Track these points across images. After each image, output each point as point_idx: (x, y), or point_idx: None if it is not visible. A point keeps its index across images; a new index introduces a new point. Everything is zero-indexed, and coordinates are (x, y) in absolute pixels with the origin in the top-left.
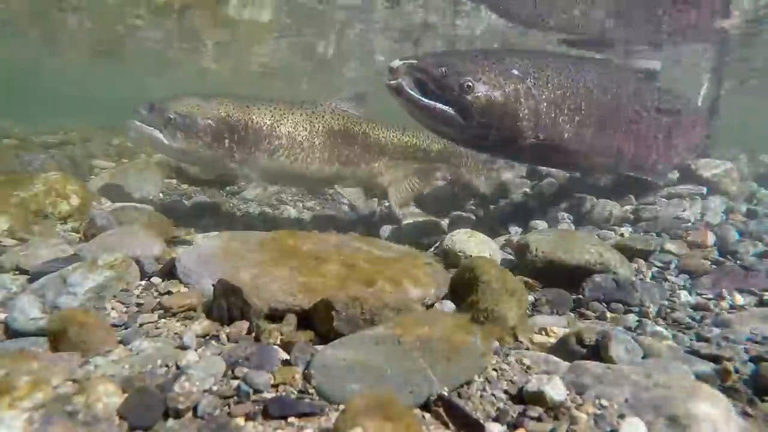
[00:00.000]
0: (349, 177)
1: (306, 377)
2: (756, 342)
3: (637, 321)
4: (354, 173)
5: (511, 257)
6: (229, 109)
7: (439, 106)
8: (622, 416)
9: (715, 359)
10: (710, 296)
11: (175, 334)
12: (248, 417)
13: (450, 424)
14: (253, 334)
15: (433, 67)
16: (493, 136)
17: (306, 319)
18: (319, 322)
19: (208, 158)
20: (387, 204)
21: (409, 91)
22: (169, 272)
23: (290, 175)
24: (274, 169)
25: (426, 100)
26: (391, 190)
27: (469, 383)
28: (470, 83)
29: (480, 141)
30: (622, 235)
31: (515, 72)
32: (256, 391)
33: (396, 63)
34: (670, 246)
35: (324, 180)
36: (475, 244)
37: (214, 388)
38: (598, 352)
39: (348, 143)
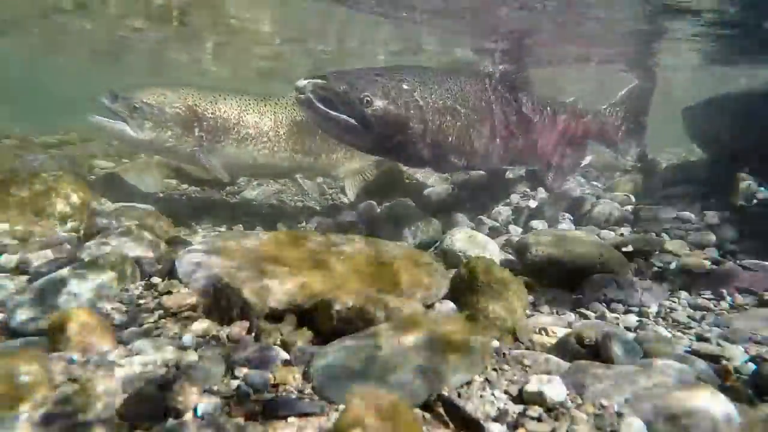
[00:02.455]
0: (310, 167)
1: (306, 377)
2: (756, 342)
3: (637, 321)
4: (315, 164)
5: (511, 257)
6: (196, 99)
7: (344, 117)
8: (622, 416)
9: (715, 359)
10: (710, 296)
11: (175, 334)
12: (248, 417)
13: (450, 424)
14: (253, 334)
15: (336, 84)
16: (390, 143)
17: (306, 319)
18: (319, 322)
19: (177, 149)
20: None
21: (318, 105)
22: (169, 272)
23: (257, 164)
24: (241, 158)
25: (333, 113)
26: (348, 182)
27: (469, 383)
28: (368, 98)
29: (381, 148)
30: (622, 235)
31: (405, 86)
32: (256, 391)
33: (302, 82)
34: (670, 246)
35: (288, 170)
36: (475, 244)
37: (214, 388)
38: (598, 352)
39: (310, 134)
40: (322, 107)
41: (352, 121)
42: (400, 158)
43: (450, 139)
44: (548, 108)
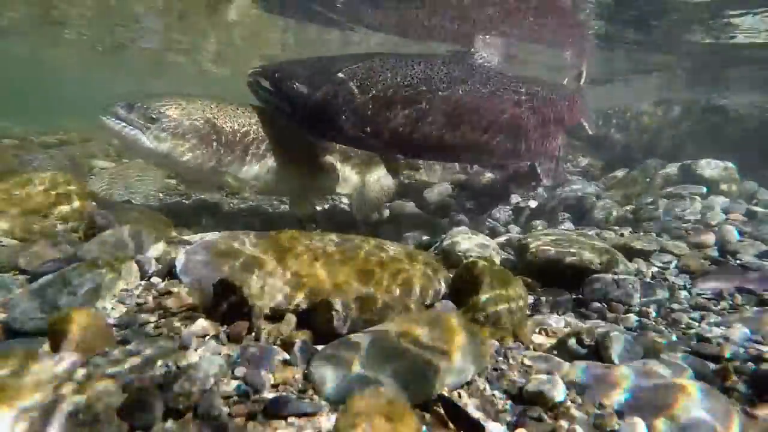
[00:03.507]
0: (320, 187)
1: (306, 377)
2: (756, 342)
3: (637, 321)
4: (325, 183)
5: (511, 257)
6: (214, 110)
7: (277, 100)
8: (622, 416)
9: (715, 359)
10: (710, 296)
11: (175, 334)
12: (248, 417)
13: (450, 424)
14: (253, 334)
15: (271, 72)
16: (320, 126)
17: (306, 319)
18: (319, 322)
19: (194, 163)
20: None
21: (263, 85)
22: (169, 272)
23: (281, 178)
24: (264, 173)
25: (272, 97)
26: (354, 202)
27: (469, 383)
28: (296, 84)
29: (313, 130)
30: (622, 235)
31: (340, 75)
32: (256, 391)
33: (249, 70)
34: (670, 246)
35: (304, 186)
36: (475, 245)
37: (214, 388)
38: (598, 352)
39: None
40: (263, 92)
41: (284, 102)
42: (338, 141)
43: (402, 129)
44: (528, 92)
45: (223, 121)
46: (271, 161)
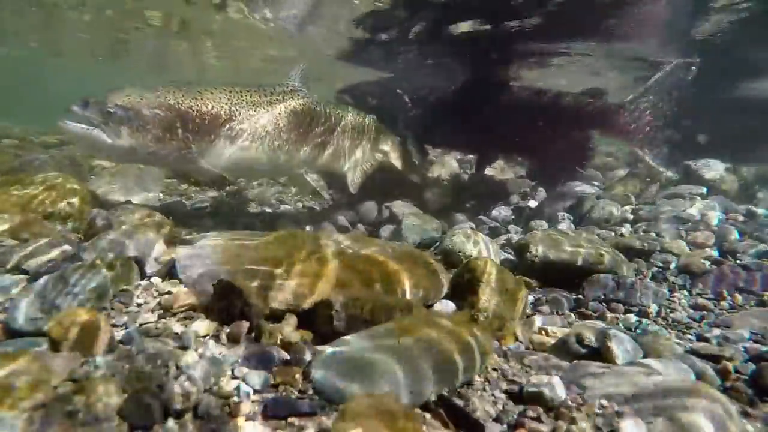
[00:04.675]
0: (316, 162)
1: (306, 377)
2: (756, 342)
3: (637, 321)
4: (320, 158)
5: (511, 257)
6: (179, 96)
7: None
8: (622, 416)
9: (715, 359)
10: (710, 296)
11: (175, 334)
12: (248, 417)
13: (450, 424)
14: (253, 334)
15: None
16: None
17: (306, 319)
18: (319, 322)
19: (162, 153)
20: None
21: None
22: (169, 272)
23: (258, 162)
24: (238, 157)
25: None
26: (350, 174)
27: (469, 383)
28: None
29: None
30: (621, 235)
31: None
32: (256, 391)
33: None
34: (670, 246)
35: (293, 166)
36: (475, 244)
37: (214, 388)
38: (598, 352)
39: (313, 125)
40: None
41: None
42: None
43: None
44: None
45: (190, 106)
46: (253, 144)
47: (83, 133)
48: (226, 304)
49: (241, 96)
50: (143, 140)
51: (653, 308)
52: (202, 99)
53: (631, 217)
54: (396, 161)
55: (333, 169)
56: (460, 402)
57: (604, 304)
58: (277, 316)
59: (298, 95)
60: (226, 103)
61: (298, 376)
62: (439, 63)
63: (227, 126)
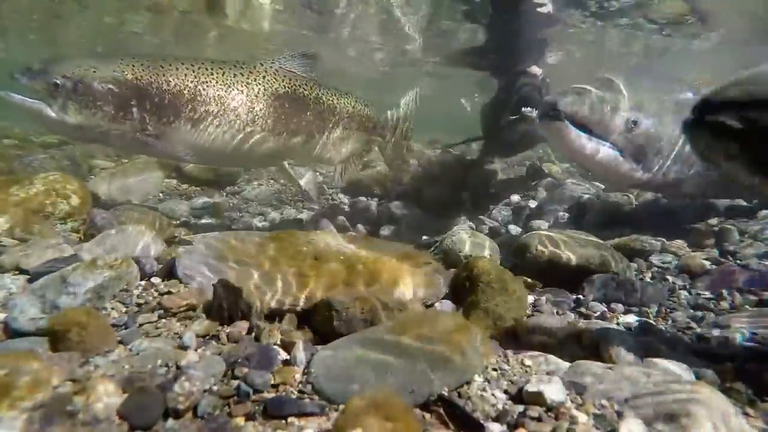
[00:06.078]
0: (298, 151)
1: (306, 377)
2: (756, 342)
3: (637, 321)
4: (304, 147)
5: (511, 257)
6: (136, 71)
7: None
8: (622, 416)
9: (715, 359)
10: (710, 296)
11: (175, 334)
12: (248, 417)
13: (450, 424)
14: (253, 334)
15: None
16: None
17: (306, 319)
18: (319, 322)
19: (115, 134)
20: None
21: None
22: (169, 272)
23: (226, 148)
24: (202, 142)
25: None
26: (339, 168)
27: (469, 383)
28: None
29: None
30: (621, 235)
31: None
32: (256, 391)
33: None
34: (670, 246)
35: (269, 155)
36: (475, 244)
37: (214, 388)
38: (598, 352)
39: (298, 110)
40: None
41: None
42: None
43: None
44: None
45: (149, 82)
46: (219, 129)
47: (26, 106)
48: (225, 303)
49: (211, 73)
50: (93, 118)
51: (653, 308)
52: (164, 75)
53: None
54: (387, 154)
55: (321, 161)
56: (460, 402)
57: (604, 304)
58: (276, 316)
59: (283, 76)
60: (192, 81)
61: (298, 376)
62: None
63: (190, 107)
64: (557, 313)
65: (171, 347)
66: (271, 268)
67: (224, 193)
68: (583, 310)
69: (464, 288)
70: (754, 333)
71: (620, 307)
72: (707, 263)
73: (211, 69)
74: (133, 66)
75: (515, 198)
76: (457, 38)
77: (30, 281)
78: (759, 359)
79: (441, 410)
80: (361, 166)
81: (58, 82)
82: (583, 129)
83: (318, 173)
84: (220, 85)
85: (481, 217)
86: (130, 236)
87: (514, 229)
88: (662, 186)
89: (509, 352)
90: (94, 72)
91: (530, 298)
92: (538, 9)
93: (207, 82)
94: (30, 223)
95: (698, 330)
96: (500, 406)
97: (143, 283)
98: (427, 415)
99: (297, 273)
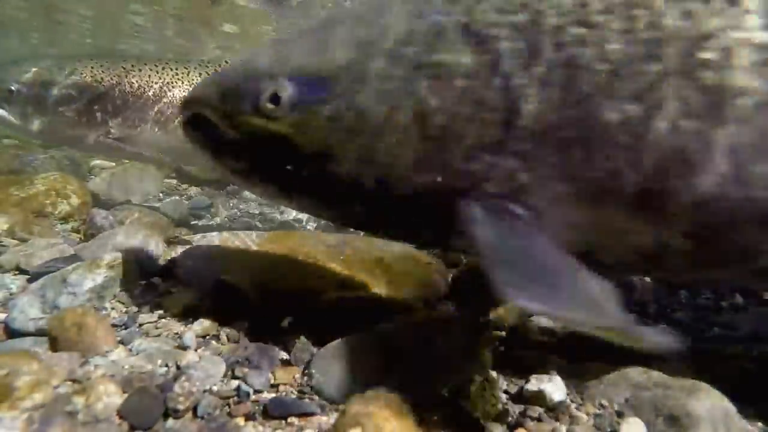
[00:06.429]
0: None
1: (306, 377)
2: (756, 342)
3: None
4: None
5: None
6: (96, 72)
7: None
8: (621, 416)
9: (715, 359)
10: (710, 296)
11: (175, 334)
12: (248, 417)
13: (450, 424)
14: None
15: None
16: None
17: (306, 319)
18: (319, 322)
19: (80, 138)
20: None
21: None
22: (169, 272)
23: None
24: (173, 147)
25: None
26: None
27: (468, 383)
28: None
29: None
30: None
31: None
32: (256, 391)
33: None
34: None
35: None
36: None
37: (214, 388)
38: (599, 351)
39: None
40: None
41: None
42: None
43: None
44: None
45: (111, 85)
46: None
47: None
48: (226, 303)
49: (176, 74)
50: (54, 123)
51: (652, 308)
52: (126, 77)
53: None
54: None
55: None
56: (459, 402)
57: None
58: (277, 316)
59: None
60: (157, 82)
61: (298, 376)
62: None
63: (156, 109)
64: None
65: (171, 347)
66: (270, 268)
67: (224, 194)
68: None
69: (464, 288)
70: (754, 333)
71: None
72: None
73: (176, 69)
74: (92, 68)
75: None
76: None
77: (30, 281)
78: (759, 359)
79: (441, 410)
80: None
81: (13, 88)
82: None
83: None
84: (186, 85)
85: None
86: (130, 236)
87: None
88: None
89: (510, 352)
90: (50, 75)
91: None
92: None
93: (172, 83)
94: (30, 223)
95: (698, 330)
96: (500, 406)
97: (143, 283)
98: (427, 415)
99: (297, 272)
